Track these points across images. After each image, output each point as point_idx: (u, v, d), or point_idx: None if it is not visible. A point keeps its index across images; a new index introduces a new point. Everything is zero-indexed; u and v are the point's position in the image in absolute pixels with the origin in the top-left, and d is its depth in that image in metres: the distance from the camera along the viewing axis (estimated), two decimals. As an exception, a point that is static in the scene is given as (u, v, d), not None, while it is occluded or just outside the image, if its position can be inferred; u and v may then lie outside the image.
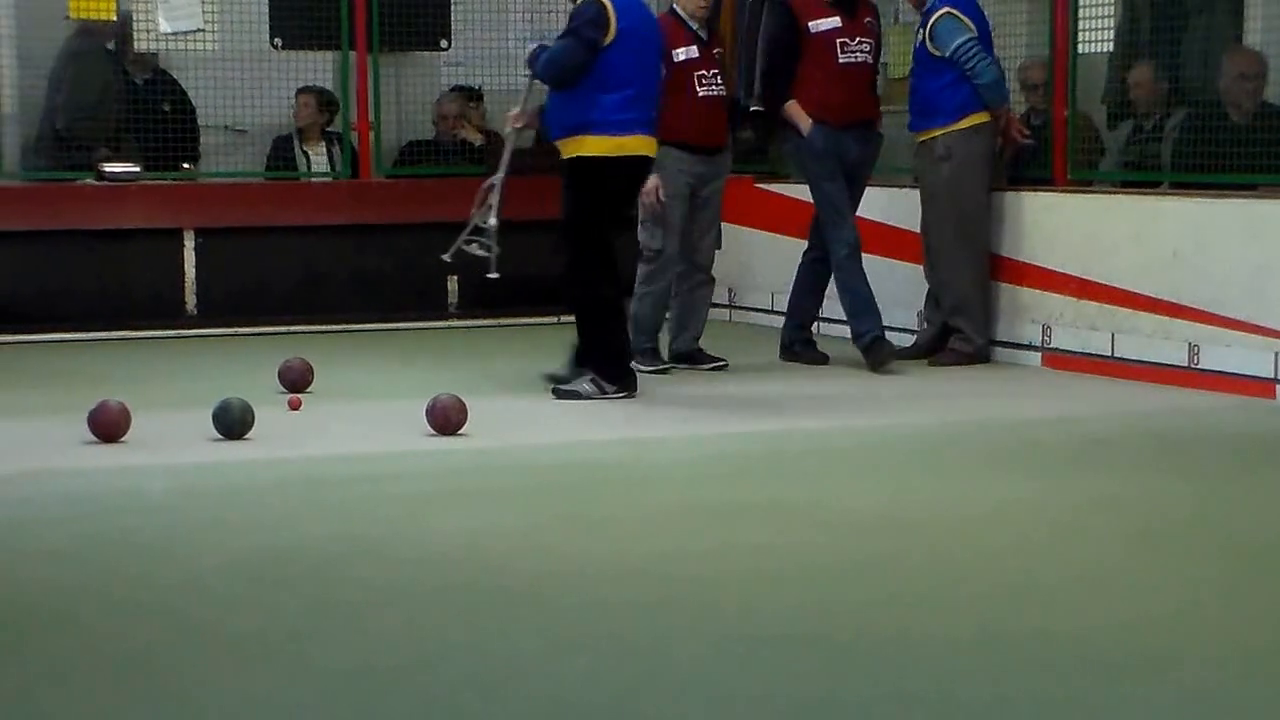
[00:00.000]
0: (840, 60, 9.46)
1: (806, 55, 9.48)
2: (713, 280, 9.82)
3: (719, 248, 9.95)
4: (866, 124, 9.64)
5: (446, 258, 9.08)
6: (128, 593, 5.33)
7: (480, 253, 8.96)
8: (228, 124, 11.98)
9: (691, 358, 9.62)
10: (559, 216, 8.63)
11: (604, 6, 8.43)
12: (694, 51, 9.41)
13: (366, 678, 4.47)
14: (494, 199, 8.92)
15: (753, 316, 11.66)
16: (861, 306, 9.53)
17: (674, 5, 9.51)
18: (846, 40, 9.47)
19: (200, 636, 4.86)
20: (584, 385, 8.56)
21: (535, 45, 8.83)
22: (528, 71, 8.84)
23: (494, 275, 8.89)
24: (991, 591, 5.32)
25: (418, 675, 4.52)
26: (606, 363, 8.57)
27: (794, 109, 9.52)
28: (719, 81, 9.49)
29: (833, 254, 9.58)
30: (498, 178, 8.96)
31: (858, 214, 9.71)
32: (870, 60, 9.58)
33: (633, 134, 8.50)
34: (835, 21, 9.48)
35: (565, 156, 8.55)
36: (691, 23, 9.43)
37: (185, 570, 5.55)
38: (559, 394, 8.59)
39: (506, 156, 9.02)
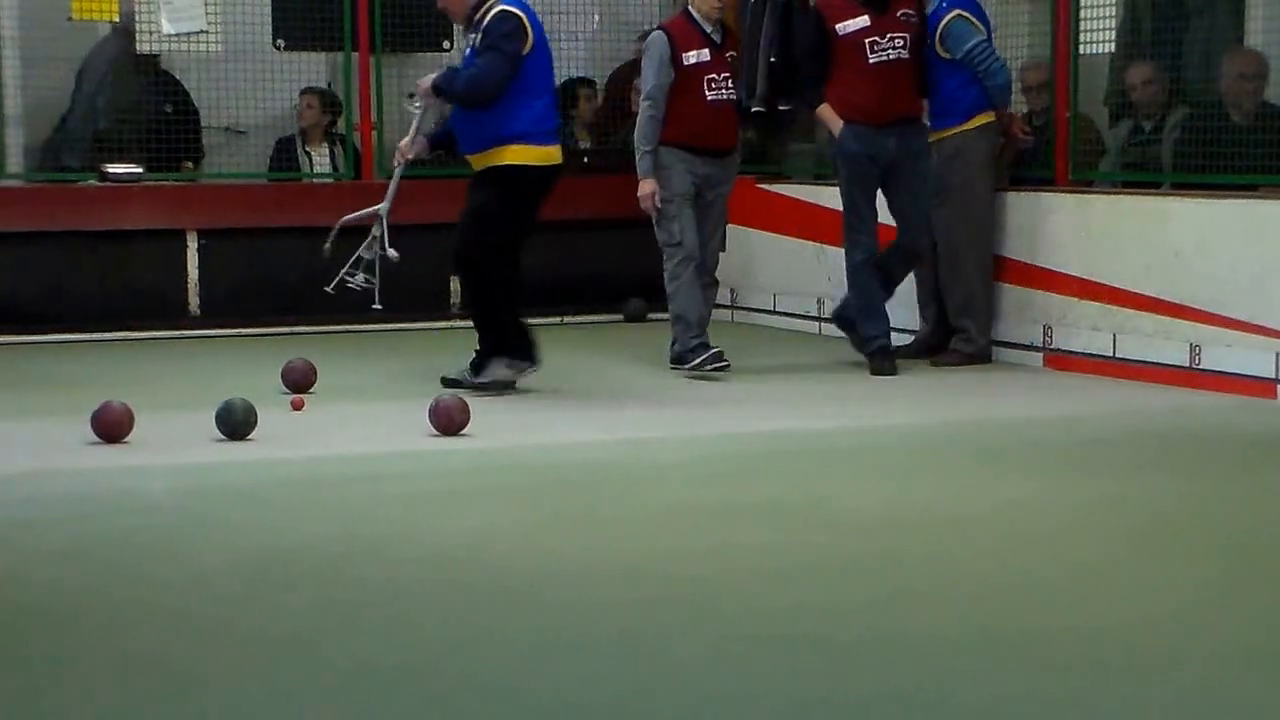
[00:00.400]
0: (871, 60, 9.35)
1: (837, 57, 9.40)
2: (717, 283, 9.82)
3: (723, 250, 9.94)
4: (906, 120, 9.52)
5: (329, 290, 9.09)
6: (130, 592, 5.34)
7: (363, 286, 8.97)
8: (229, 125, 11.99)
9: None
10: (464, 214, 8.69)
11: (521, 19, 8.56)
12: (705, 55, 9.39)
13: (366, 677, 4.48)
14: (378, 230, 8.93)
15: (754, 317, 11.67)
16: (871, 312, 9.53)
17: (688, 6, 9.51)
18: (877, 39, 9.37)
19: (202, 636, 4.87)
20: (500, 371, 8.64)
21: (439, 72, 8.87)
22: (418, 104, 8.84)
23: (378, 307, 8.93)
24: (991, 591, 5.32)
25: (418, 675, 4.53)
26: (515, 341, 8.66)
27: (825, 111, 9.48)
28: (730, 85, 9.47)
29: (849, 258, 9.55)
30: (383, 209, 8.97)
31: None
32: (906, 55, 9.40)
33: (555, 144, 8.69)
34: (864, 21, 9.37)
35: (485, 165, 8.62)
36: (705, 25, 9.42)
37: (187, 570, 5.56)
38: (481, 388, 8.62)
39: (393, 189, 9.03)
